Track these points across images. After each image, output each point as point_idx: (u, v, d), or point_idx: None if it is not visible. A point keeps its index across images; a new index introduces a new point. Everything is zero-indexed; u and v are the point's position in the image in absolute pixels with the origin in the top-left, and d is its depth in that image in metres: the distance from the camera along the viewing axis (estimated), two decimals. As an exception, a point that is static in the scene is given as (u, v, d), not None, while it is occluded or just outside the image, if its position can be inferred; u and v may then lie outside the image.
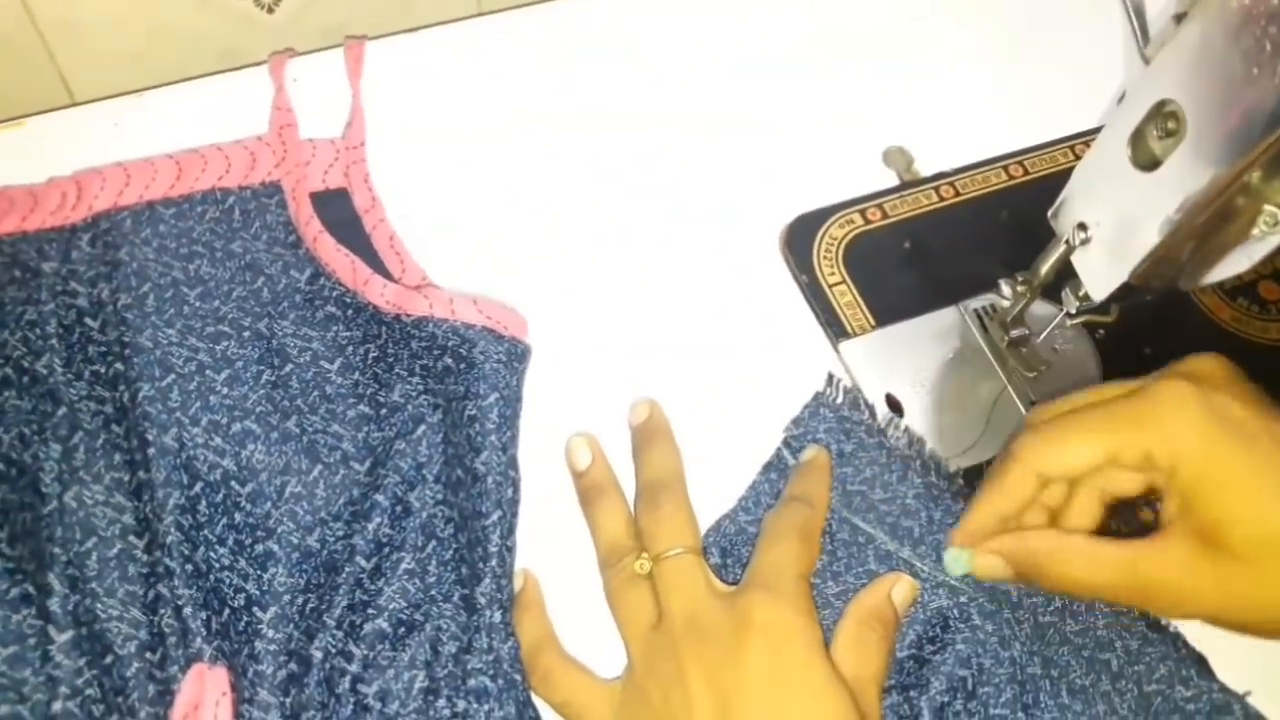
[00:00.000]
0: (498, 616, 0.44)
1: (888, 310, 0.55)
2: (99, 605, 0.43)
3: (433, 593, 0.45)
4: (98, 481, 0.46)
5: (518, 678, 0.44)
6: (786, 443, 0.50)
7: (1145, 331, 0.56)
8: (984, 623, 0.46)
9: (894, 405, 0.53)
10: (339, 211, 0.53)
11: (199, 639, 0.43)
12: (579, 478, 0.49)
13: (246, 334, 0.49)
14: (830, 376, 0.52)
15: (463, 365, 0.48)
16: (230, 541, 0.45)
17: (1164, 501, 0.42)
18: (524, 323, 0.50)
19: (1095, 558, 0.42)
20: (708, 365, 0.53)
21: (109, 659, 0.43)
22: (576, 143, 0.58)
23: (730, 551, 0.48)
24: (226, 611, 0.44)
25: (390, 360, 0.49)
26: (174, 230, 0.50)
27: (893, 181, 0.59)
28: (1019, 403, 0.54)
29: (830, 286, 0.56)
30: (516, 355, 0.49)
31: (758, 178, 0.59)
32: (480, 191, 0.57)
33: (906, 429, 0.51)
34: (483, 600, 0.44)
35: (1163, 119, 0.42)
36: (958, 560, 0.46)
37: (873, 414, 0.51)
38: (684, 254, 0.56)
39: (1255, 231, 0.41)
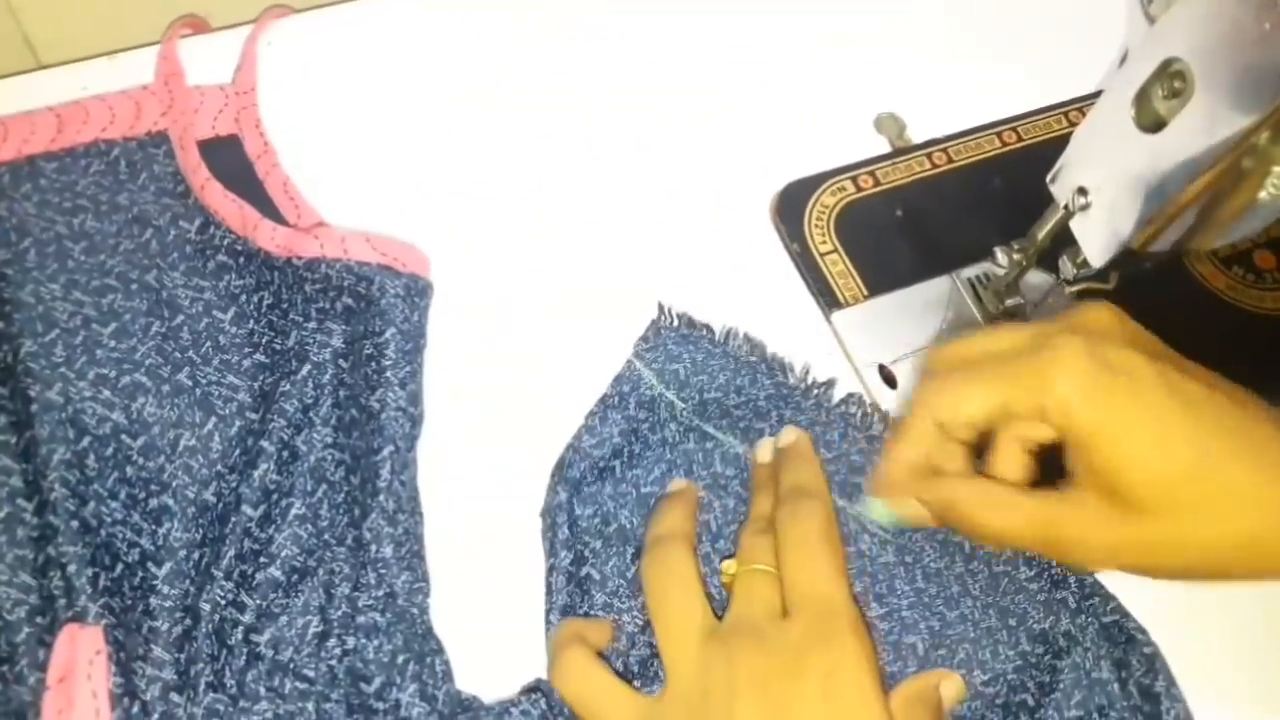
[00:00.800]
0: (388, 551, 0.44)
1: (880, 279, 0.54)
2: None
3: (325, 537, 0.45)
4: None
5: (414, 611, 0.44)
6: (638, 354, 0.50)
7: (1139, 301, 0.55)
8: None
9: (887, 377, 0.52)
10: (234, 159, 0.52)
11: (83, 596, 0.42)
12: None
13: (134, 286, 0.48)
14: (661, 305, 0.51)
15: (362, 304, 0.48)
16: (123, 496, 0.44)
17: (1068, 456, 0.42)
18: (425, 259, 0.50)
19: (1012, 507, 0.42)
20: (698, 335, 0.52)
21: None
22: (558, 107, 0.57)
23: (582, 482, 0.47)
24: (120, 567, 0.43)
25: (285, 306, 0.48)
26: (56, 184, 0.49)
27: (885, 148, 0.58)
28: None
29: (822, 255, 0.55)
30: (417, 290, 0.49)
31: (748, 145, 0.57)
32: (470, 166, 0.55)
33: (746, 336, 0.51)
34: (369, 535, 0.44)
35: (1169, 79, 0.41)
36: (882, 511, 0.45)
37: (709, 329, 0.51)
38: (673, 222, 0.55)
39: (1262, 195, 0.41)
